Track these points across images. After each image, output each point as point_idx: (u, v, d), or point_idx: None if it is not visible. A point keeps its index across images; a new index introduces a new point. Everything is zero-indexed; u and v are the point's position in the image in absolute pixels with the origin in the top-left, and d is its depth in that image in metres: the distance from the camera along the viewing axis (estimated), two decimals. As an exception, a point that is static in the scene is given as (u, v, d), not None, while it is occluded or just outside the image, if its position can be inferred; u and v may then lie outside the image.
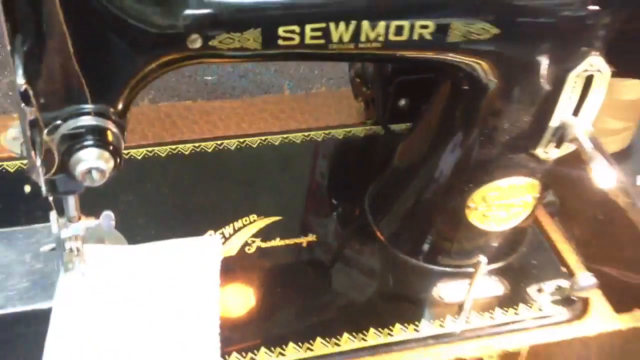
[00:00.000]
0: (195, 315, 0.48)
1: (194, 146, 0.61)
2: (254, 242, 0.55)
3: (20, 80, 0.35)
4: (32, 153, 0.40)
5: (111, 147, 0.38)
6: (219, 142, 0.62)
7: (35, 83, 0.36)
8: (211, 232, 0.54)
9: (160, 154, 0.60)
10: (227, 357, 0.47)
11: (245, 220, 0.56)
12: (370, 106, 0.62)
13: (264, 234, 0.55)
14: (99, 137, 0.38)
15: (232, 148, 0.62)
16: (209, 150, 0.61)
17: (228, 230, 0.55)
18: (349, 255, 0.56)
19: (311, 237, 0.56)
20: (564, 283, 0.54)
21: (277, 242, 0.55)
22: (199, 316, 0.48)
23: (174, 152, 0.60)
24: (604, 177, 0.45)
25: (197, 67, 0.86)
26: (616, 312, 0.54)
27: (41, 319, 0.47)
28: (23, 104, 0.37)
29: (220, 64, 0.86)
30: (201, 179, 0.59)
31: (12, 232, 0.53)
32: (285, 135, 0.63)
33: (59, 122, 0.38)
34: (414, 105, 0.57)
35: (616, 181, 0.46)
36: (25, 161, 0.58)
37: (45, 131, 0.38)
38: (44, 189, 0.41)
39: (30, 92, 0.36)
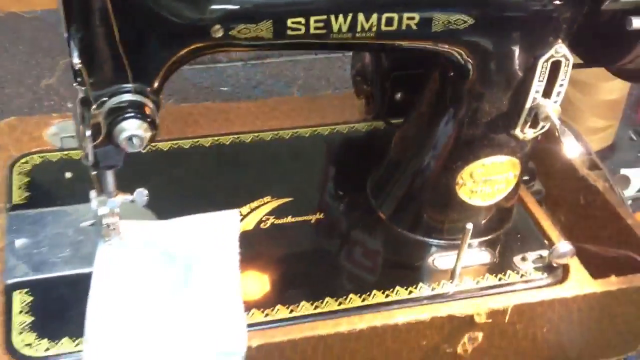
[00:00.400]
0: (218, 276, 0.55)
1: (213, 139, 0.68)
2: (268, 219, 0.62)
3: (76, 60, 0.43)
4: (81, 127, 0.47)
5: (148, 119, 0.46)
6: (235, 137, 0.69)
7: (87, 65, 0.44)
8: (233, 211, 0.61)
9: (184, 146, 0.68)
10: (247, 313, 0.54)
11: (260, 201, 0.63)
12: (370, 102, 0.69)
13: (277, 212, 0.62)
14: (138, 110, 0.45)
15: (247, 141, 0.69)
16: (227, 144, 0.69)
17: (245, 209, 0.62)
18: (354, 231, 0.63)
19: (319, 215, 0.63)
20: (545, 253, 0.61)
21: (288, 219, 0.62)
22: (222, 277, 0.55)
23: (196, 144, 0.68)
24: (571, 148, 0.52)
25: (215, 79, 0.93)
26: (594, 278, 0.61)
27: (82, 281, 0.54)
28: (76, 83, 0.45)
29: (235, 76, 0.94)
30: (220, 167, 0.66)
31: (57, 211, 0.60)
32: (295, 131, 0.71)
33: (105, 98, 0.45)
34: (409, 98, 0.64)
35: (580, 151, 0.53)
36: (64, 152, 0.66)
37: (94, 106, 0.45)
38: (90, 160, 0.49)
39: (83, 73, 0.44)
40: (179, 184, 0.64)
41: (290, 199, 0.63)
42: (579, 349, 0.64)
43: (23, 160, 0.65)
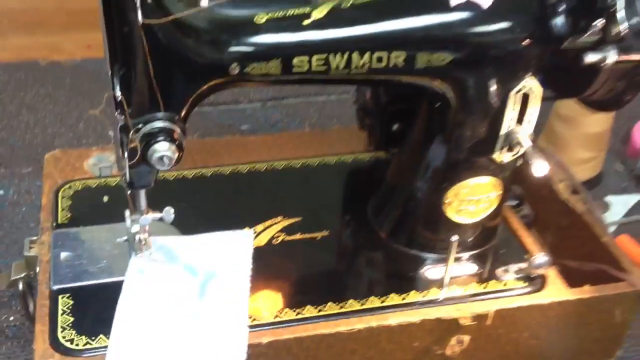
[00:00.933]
0: (230, 292, 0.63)
1: (232, 168, 0.77)
2: (279, 236, 0.70)
3: (118, 93, 0.52)
4: (120, 150, 0.56)
5: (177, 142, 0.54)
6: (251, 165, 0.78)
7: (126, 97, 0.53)
8: (246, 228, 0.69)
9: (206, 174, 0.76)
10: (257, 316, 0.62)
11: (273, 221, 0.71)
12: (371, 134, 0.78)
13: (287, 230, 0.70)
14: (168, 135, 0.54)
15: (262, 170, 0.78)
16: (244, 172, 0.77)
17: (259, 227, 0.70)
18: (354, 246, 0.71)
19: (324, 233, 0.71)
20: (525, 265, 0.68)
21: (297, 236, 0.70)
22: (233, 293, 0.63)
23: (217, 172, 0.77)
24: (539, 168, 0.60)
25: (235, 119, 1.03)
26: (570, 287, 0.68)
27: (115, 288, 0.62)
28: (117, 113, 0.54)
29: (254, 115, 1.03)
30: (237, 192, 0.75)
31: (95, 229, 0.68)
32: (304, 160, 0.79)
33: (141, 125, 0.54)
34: (404, 128, 0.72)
35: (547, 170, 0.60)
36: (102, 179, 0.75)
37: (132, 132, 0.54)
38: (127, 179, 0.57)
39: (123, 104, 0.53)
40: (201, 205, 0.72)
41: (299, 218, 0.71)
42: (559, 356, 0.70)
43: (66, 186, 0.74)
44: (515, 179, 0.78)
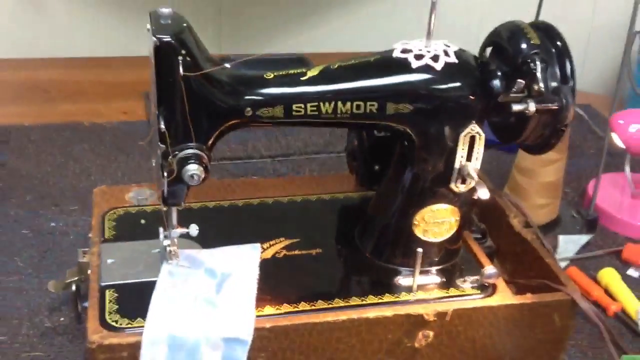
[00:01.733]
0: (241, 287, 0.79)
1: (244, 201, 0.95)
2: (282, 252, 0.86)
3: (162, 127, 0.70)
4: (160, 173, 0.74)
5: (204, 165, 0.72)
6: (261, 199, 0.95)
7: (168, 130, 0.71)
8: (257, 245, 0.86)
9: (224, 205, 0.94)
10: (262, 308, 0.78)
11: (277, 240, 0.88)
12: (359, 174, 0.95)
13: (288, 247, 0.87)
14: (198, 159, 0.72)
15: (270, 203, 0.95)
16: (255, 204, 0.95)
17: (266, 245, 0.86)
18: (343, 261, 0.88)
19: (319, 250, 0.87)
20: (478, 277, 0.84)
21: (296, 252, 0.86)
22: (244, 288, 0.79)
23: (232, 204, 0.94)
24: (483, 194, 0.77)
25: (248, 171, 1.21)
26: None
27: (150, 285, 0.78)
28: (159, 142, 0.72)
29: (265, 168, 1.21)
30: (249, 219, 0.92)
31: (135, 243, 0.85)
32: (305, 196, 0.96)
33: (177, 152, 0.72)
34: (384, 169, 0.90)
35: (489, 195, 0.77)
36: (140, 207, 0.93)
37: (170, 157, 0.72)
38: (165, 196, 0.75)
39: (166, 135, 0.71)
40: (219, 228, 0.89)
41: (298, 239, 0.88)
42: (510, 355, 0.85)
43: (111, 212, 0.91)
44: (479, 218, 0.96)
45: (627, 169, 1.14)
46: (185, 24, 0.71)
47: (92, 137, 1.29)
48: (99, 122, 1.35)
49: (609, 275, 0.99)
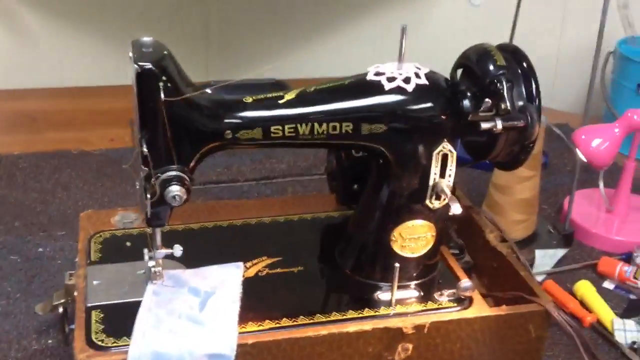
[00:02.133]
0: (224, 305, 0.81)
1: (229, 222, 0.97)
2: (264, 270, 0.89)
3: (144, 150, 0.73)
4: (144, 195, 0.76)
5: (185, 186, 0.75)
6: (244, 220, 0.98)
7: (150, 153, 0.74)
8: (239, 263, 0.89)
9: (208, 226, 0.96)
10: (245, 324, 0.80)
11: (260, 259, 0.90)
12: (338, 193, 0.98)
13: (271, 266, 0.89)
14: (180, 181, 0.74)
15: (253, 223, 0.97)
16: (238, 224, 0.97)
17: (249, 264, 0.89)
18: (324, 278, 0.90)
19: (300, 268, 0.90)
20: (454, 290, 0.86)
21: (278, 270, 0.89)
22: (227, 305, 0.81)
23: (216, 225, 0.96)
24: (456, 209, 0.80)
25: (233, 194, 1.23)
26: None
27: (134, 305, 0.80)
28: (142, 165, 0.74)
29: (249, 191, 1.24)
30: (233, 239, 0.94)
31: (121, 265, 0.87)
32: (287, 217, 0.99)
33: (159, 174, 0.75)
34: (362, 188, 0.92)
35: (461, 210, 0.80)
36: (125, 230, 0.95)
37: (153, 179, 0.74)
38: (148, 216, 0.77)
39: (148, 158, 0.73)
40: (203, 248, 0.92)
41: (280, 257, 0.91)
42: (489, 366, 0.87)
43: (97, 235, 0.94)
44: (457, 234, 0.99)
45: (601, 184, 1.18)
46: (165, 52, 0.74)
47: (79, 164, 1.32)
48: (86, 149, 1.37)
49: (584, 288, 1.02)
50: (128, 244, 0.92)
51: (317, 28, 1.77)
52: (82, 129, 1.48)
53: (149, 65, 0.72)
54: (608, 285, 1.06)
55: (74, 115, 1.54)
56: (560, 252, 1.11)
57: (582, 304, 1.01)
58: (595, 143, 1.01)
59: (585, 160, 1.03)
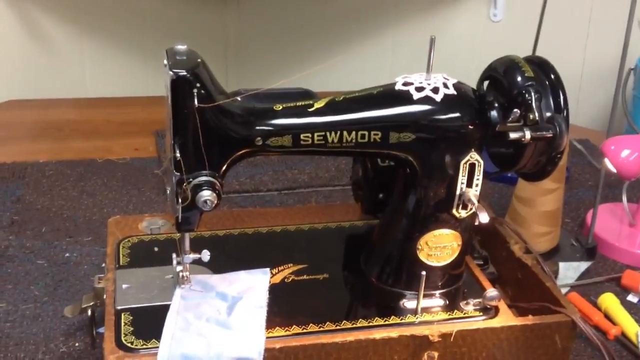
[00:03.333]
0: (252, 310, 0.82)
1: (254, 229, 0.98)
2: (290, 277, 0.90)
3: (177, 155, 0.74)
4: (175, 199, 0.77)
5: (217, 191, 0.76)
6: (269, 228, 0.99)
7: (183, 158, 0.75)
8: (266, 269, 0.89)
9: (234, 233, 0.97)
10: (272, 329, 0.80)
11: (286, 266, 0.91)
12: (363, 203, 0.99)
13: (296, 273, 0.90)
14: (211, 186, 0.76)
15: (278, 231, 0.98)
16: (264, 232, 0.98)
17: (275, 271, 0.90)
18: (349, 285, 0.91)
19: (325, 275, 0.90)
20: (481, 299, 0.87)
21: (304, 277, 0.90)
22: (254, 310, 0.82)
23: (242, 232, 0.97)
24: (483, 218, 0.80)
25: (257, 203, 1.24)
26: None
27: (163, 309, 0.81)
28: (174, 170, 0.76)
29: (272, 201, 1.25)
30: (258, 246, 0.95)
31: (149, 269, 0.89)
32: (312, 225, 1.00)
33: (191, 179, 0.76)
34: (388, 196, 0.93)
35: (489, 219, 0.81)
36: (153, 236, 0.96)
37: (185, 184, 0.76)
38: (179, 221, 0.78)
39: (181, 163, 0.75)
40: (229, 255, 0.93)
41: (306, 265, 0.91)
42: (513, 376, 0.87)
43: (126, 240, 0.95)
44: (481, 245, 0.99)
45: (625, 198, 1.18)
46: (199, 60, 0.75)
47: (105, 172, 1.34)
48: (111, 158, 1.39)
49: (609, 300, 1.02)
50: (156, 249, 0.93)
51: (337, 42, 1.79)
52: (107, 138, 1.50)
53: (183, 73, 0.73)
54: (632, 298, 1.06)
55: (98, 125, 1.56)
56: (584, 265, 1.11)
57: (607, 316, 1.01)
58: (625, 154, 1.01)
59: (614, 170, 1.03)
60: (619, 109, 1.30)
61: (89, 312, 0.87)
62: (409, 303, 0.86)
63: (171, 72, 0.73)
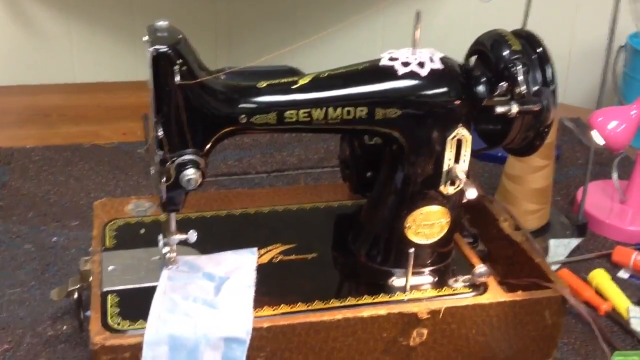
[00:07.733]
0: (239, 290, 0.81)
1: (242, 210, 0.97)
2: (278, 257, 0.89)
3: (160, 134, 0.73)
4: (159, 179, 0.76)
5: (200, 170, 0.75)
6: (257, 209, 0.98)
7: (166, 137, 0.74)
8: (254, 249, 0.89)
9: (221, 214, 0.96)
10: (260, 308, 0.80)
11: (274, 246, 0.90)
12: (351, 181, 0.98)
13: (284, 252, 0.89)
14: (195, 164, 0.75)
15: (266, 212, 0.97)
16: (252, 213, 0.97)
17: (263, 251, 0.89)
18: (338, 264, 0.90)
19: (314, 255, 0.90)
20: (470, 275, 0.86)
21: (292, 257, 0.89)
22: (242, 291, 0.81)
23: (230, 213, 0.97)
24: (471, 193, 0.79)
25: (245, 186, 1.23)
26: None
27: (150, 290, 0.80)
28: (157, 149, 0.75)
29: (261, 184, 1.24)
30: (246, 226, 0.94)
31: (135, 251, 0.88)
32: (299, 205, 0.99)
33: (175, 157, 0.75)
34: (375, 174, 0.92)
35: (478, 194, 0.80)
36: (139, 218, 0.95)
37: (168, 162, 0.75)
38: (163, 200, 0.77)
39: (163, 142, 0.74)
40: (216, 235, 0.92)
41: (294, 244, 0.91)
42: (503, 352, 0.86)
43: (112, 222, 0.94)
44: (471, 223, 0.99)
45: (615, 175, 1.17)
46: (180, 35, 0.74)
47: (92, 157, 1.32)
48: (99, 142, 1.38)
49: (600, 276, 1.02)
50: (142, 231, 0.93)
51: (326, 20, 1.77)
52: (94, 123, 1.49)
53: (164, 48, 0.72)
54: (623, 274, 1.06)
55: (86, 111, 1.54)
56: (575, 242, 1.10)
57: (597, 292, 1.00)
58: (612, 125, 1.00)
59: (602, 142, 1.02)
60: (608, 86, 1.30)
61: (76, 295, 0.87)
62: (397, 281, 0.86)
63: (151, 49, 0.72)
